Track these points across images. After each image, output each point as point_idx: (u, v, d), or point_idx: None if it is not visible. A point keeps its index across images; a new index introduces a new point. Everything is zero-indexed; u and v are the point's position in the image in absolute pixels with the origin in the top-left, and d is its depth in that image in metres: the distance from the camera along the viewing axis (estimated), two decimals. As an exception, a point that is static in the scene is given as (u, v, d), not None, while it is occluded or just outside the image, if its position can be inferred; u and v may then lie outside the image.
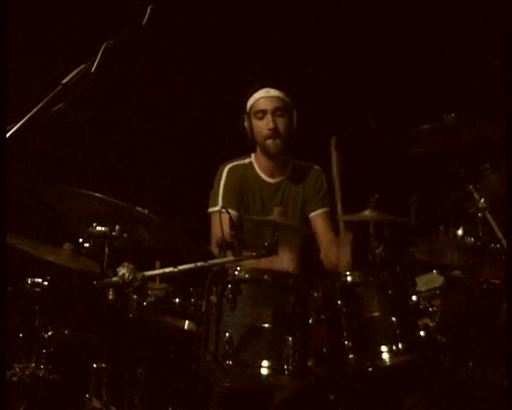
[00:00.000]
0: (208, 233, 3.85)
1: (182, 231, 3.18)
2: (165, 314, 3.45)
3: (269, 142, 3.85)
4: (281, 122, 3.84)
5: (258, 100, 3.87)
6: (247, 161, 3.98)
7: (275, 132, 3.83)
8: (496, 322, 3.29)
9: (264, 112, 3.85)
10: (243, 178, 3.92)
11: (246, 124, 3.91)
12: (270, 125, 3.82)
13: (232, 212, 3.71)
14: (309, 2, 4.85)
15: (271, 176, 3.96)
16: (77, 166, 4.55)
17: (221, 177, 3.92)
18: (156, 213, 3.06)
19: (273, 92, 3.86)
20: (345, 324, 3.11)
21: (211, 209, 3.89)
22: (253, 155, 4.00)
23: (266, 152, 3.89)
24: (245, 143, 3.96)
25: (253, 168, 3.96)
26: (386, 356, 3.05)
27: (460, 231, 3.38)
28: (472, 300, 3.32)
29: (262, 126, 3.85)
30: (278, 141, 3.85)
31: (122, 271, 2.80)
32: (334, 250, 3.72)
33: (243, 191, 3.90)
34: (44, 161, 4.49)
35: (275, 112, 3.83)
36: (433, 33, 4.71)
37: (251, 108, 3.89)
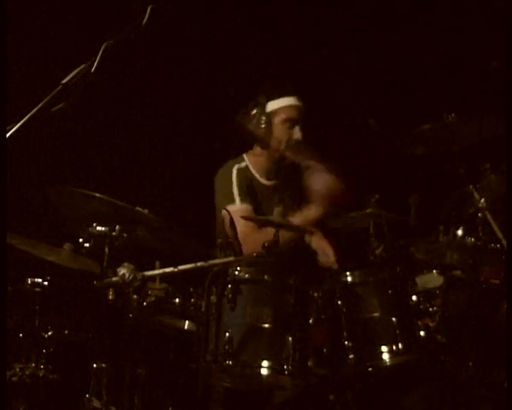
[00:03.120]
0: (209, 232, 3.84)
1: (182, 231, 3.18)
2: (165, 314, 3.45)
3: (289, 151, 3.82)
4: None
5: (288, 107, 3.81)
6: (243, 164, 3.90)
7: (299, 144, 3.81)
8: (496, 322, 3.28)
9: (294, 122, 3.80)
10: (247, 181, 3.87)
11: (264, 123, 3.81)
12: (299, 136, 3.79)
13: (250, 207, 3.71)
14: (310, 2, 4.86)
15: (267, 178, 3.92)
16: (77, 166, 4.55)
17: (231, 174, 3.83)
18: (156, 213, 3.06)
19: (299, 102, 3.84)
20: (345, 324, 3.11)
21: (228, 208, 3.60)
22: (244, 156, 3.93)
23: (279, 157, 3.85)
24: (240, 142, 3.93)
25: (250, 171, 3.90)
26: (386, 356, 3.06)
27: (460, 231, 3.38)
28: (472, 300, 3.31)
29: (288, 135, 3.80)
30: (296, 151, 3.83)
31: (122, 271, 2.81)
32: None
33: (250, 193, 3.85)
34: (45, 161, 4.49)
35: (302, 123, 3.82)
36: (433, 33, 4.71)
37: (277, 112, 3.81)
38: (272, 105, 3.83)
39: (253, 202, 3.80)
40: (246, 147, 3.96)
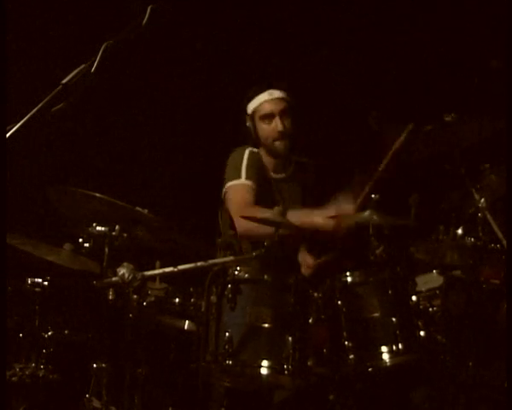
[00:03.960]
0: (209, 230, 3.84)
1: (182, 231, 3.18)
2: (165, 314, 3.46)
3: (277, 143, 3.84)
4: (287, 123, 3.83)
5: (262, 103, 3.84)
6: (255, 149, 3.93)
7: (284, 134, 3.82)
8: (496, 322, 3.28)
9: (270, 115, 3.82)
10: (259, 164, 3.89)
11: (249, 125, 3.88)
12: (280, 127, 3.80)
13: (253, 185, 3.73)
14: (310, 2, 4.85)
15: (275, 172, 3.94)
16: (77, 166, 4.55)
17: (243, 154, 3.85)
18: (156, 213, 3.06)
19: (277, 94, 3.84)
20: (345, 324, 3.11)
21: (232, 183, 3.77)
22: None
23: (274, 153, 3.88)
24: (246, 141, 3.95)
25: (261, 160, 3.93)
26: (386, 356, 3.06)
27: (460, 231, 3.38)
28: (472, 300, 3.31)
29: (270, 130, 3.83)
30: (287, 142, 3.84)
31: (122, 271, 2.81)
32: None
33: (260, 176, 3.86)
34: (44, 161, 4.49)
35: (282, 114, 3.82)
36: (433, 33, 4.70)
37: (255, 111, 3.86)
38: (250, 107, 3.88)
39: (258, 183, 3.81)
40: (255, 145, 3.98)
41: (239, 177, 3.77)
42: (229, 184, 3.79)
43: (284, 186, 3.94)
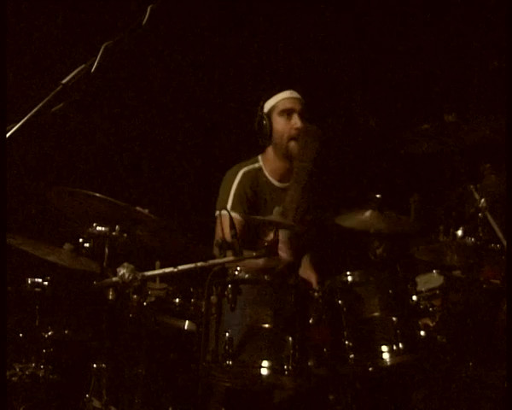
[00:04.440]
0: (210, 232, 3.84)
1: (182, 232, 3.18)
2: (165, 314, 3.45)
3: (292, 143, 3.84)
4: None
5: (283, 99, 3.87)
6: (256, 165, 3.93)
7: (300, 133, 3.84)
8: (496, 322, 3.29)
9: (290, 111, 3.85)
10: (256, 184, 3.88)
11: (265, 124, 3.88)
12: (299, 124, 3.82)
13: (238, 218, 3.65)
14: (314, 1, 4.86)
15: (280, 180, 3.93)
16: (77, 166, 4.55)
17: (234, 180, 3.85)
18: (156, 213, 3.06)
19: (297, 95, 3.89)
20: (345, 324, 3.11)
21: (218, 212, 3.75)
22: (260, 157, 3.96)
23: (286, 154, 3.87)
24: (249, 145, 3.94)
25: (263, 173, 3.92)
26: (386, 356, 3.06)
27: (460, 231, 3.38)
28: (472, 300, 3.31)
29: (288, 126, 3.84)
30: (298, 138, 3.84)
31: (122, 271, 2.80)
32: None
33: (255, 197, 3.85)
34: (44, 161, 4.49)
35: (300, 114, 3.85)
36: (434, 33, 4.71)
37: (274, 107, 3.87)
38: (268, 104, 3.89)
39: (253, 209, 3.80)
40: (259, 149, 3.97)
41: (225, 206, 3.74)
42: (217, 212, 3.73)
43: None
